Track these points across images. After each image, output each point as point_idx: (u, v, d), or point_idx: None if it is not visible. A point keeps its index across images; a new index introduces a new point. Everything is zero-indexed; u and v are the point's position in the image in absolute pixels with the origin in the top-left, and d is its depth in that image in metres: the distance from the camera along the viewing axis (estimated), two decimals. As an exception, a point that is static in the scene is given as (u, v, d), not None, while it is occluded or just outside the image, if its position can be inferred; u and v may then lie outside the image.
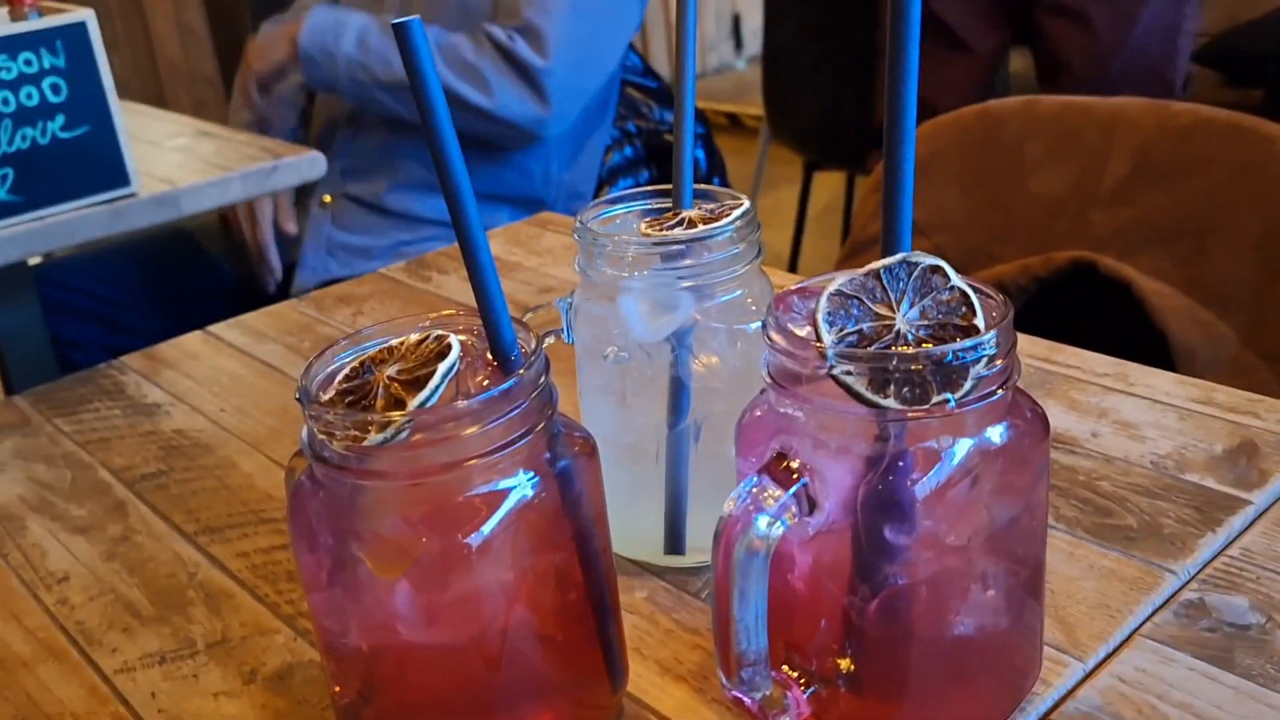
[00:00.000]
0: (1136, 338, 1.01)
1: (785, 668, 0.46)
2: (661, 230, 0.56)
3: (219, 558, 0.64)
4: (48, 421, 0.82)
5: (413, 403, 0.40)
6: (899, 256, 0.42)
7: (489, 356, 0.44)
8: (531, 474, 0.43)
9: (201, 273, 1.77)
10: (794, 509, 0.43)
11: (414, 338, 0.44)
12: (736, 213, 0.56)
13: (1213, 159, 1.08)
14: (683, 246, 0.55)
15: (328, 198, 1.64)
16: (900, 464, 0.42)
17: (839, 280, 0.42)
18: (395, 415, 0.40)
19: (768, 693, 0.44)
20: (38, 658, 0.58)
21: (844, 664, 0.45)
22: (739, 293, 0.56)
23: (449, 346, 0.42)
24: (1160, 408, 0.70)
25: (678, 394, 0.57)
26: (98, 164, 1.34)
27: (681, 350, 0.57)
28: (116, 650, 0.58)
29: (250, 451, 0.76)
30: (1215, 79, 2.75)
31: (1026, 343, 0.80)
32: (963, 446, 0.42)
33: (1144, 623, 0.53)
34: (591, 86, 1.55)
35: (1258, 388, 0.91)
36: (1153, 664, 0.50)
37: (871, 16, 2.49)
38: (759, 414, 0.45)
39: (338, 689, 0.47)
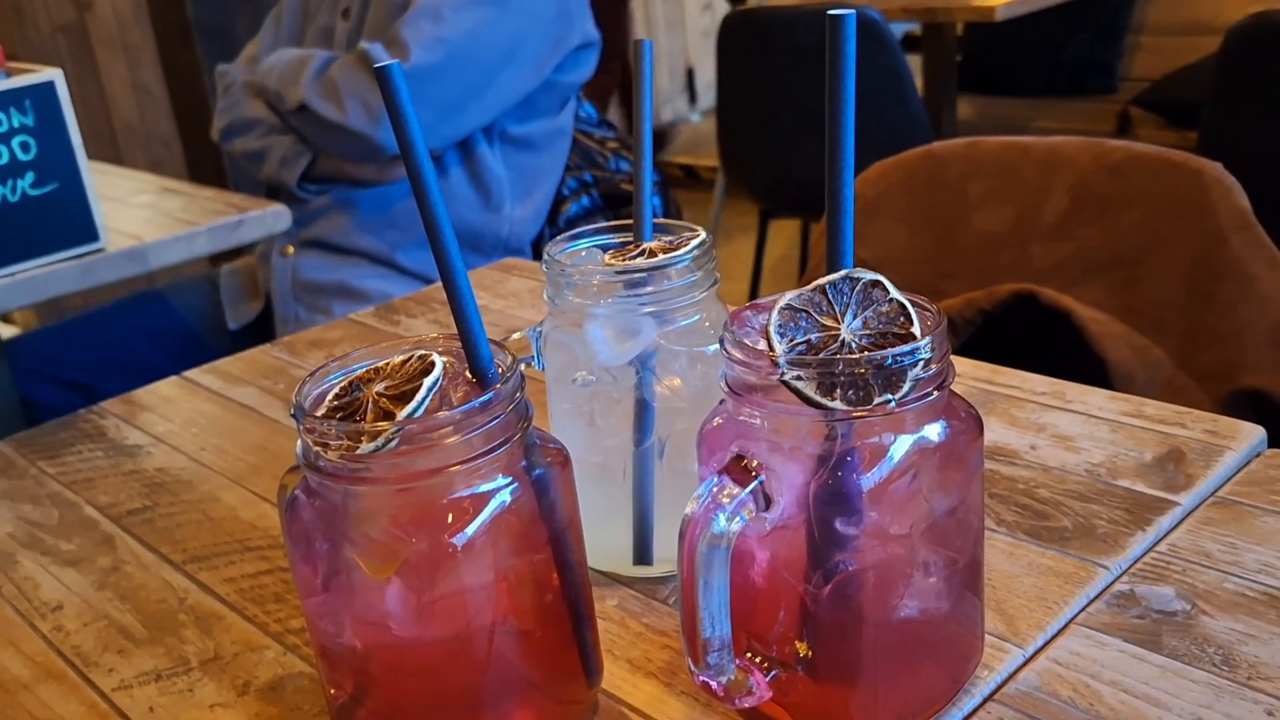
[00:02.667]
0: (1077, 364, 1.06)
1: (748, 655, 0.50)
2: (624, 260, 0.60)
3: (207, 583, 0.67)
4: (31, 465, 0.84)
5: (401, 413, 0.44)
6: (842, 273, 0.47)
7: (468, 375, 0.48)
8: (510, 480, 0.47)
9: (174, 332, 1.79)
10: (751, 505, 0.47)
11: (398, 359, 0.48)
12: (694, 243, 0.60)
13: (1145, 193, 1.14)
14: (644, 275, 0.59)
15: (290, 249, 1.67)
16: (847, 461, 0.46)
17: (788, 296, 0.47)
18: (385, 425, 0.44)
19: (733, 677, 0.48)
20: (37, 679, 0.60)
21: (801, 649, 0.48)
22: (697, 317, 0.61)
23: (432, 363, 0.46)
24: (1094, 421, 0.75)
25: (642, 414, 0.61)
26: (67, 220, 1.37)
27: (645, 373, 0.61)
28: (113, 670, 0.60)
29: (232, 486, 0.79)
30: (1156, 121, 2.86)
31: (970, 366, 0.85)
32: (903, 443, 0.46)
33: (1079, 613, 0.57)
34: (444, 97, 1.55)
35: (1191, 406, 0.97)
36: (1086, 648, 0.55)
37: (821, 72, 2.57)
38: (718, 423, 0.49)
39: (333, 691, 0.50)
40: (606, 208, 1.98)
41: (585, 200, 1.96)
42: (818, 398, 0.45)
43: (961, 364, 0.85)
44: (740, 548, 0.48)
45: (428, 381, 0.45)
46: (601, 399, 0.61)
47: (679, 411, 0.61)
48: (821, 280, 0.47)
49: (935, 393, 0.46)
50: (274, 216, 1.55)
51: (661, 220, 0.64)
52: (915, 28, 3.37)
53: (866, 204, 1.32)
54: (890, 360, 0.44)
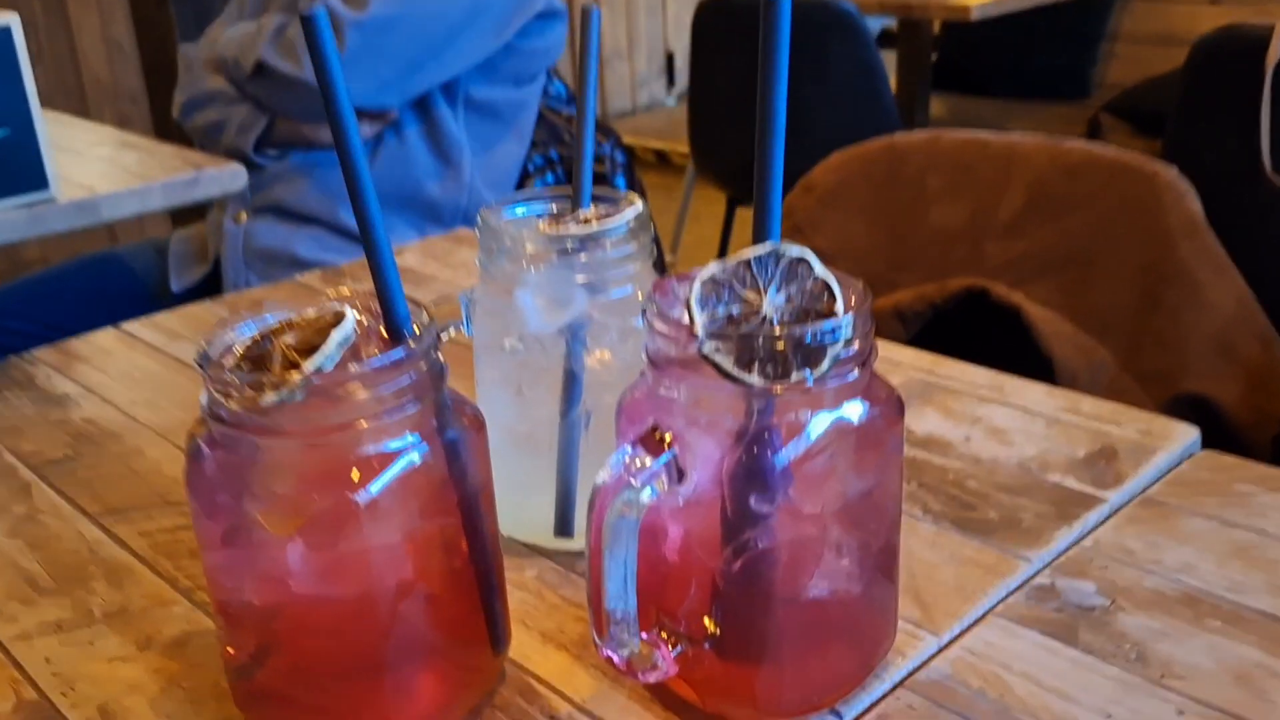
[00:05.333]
0: (1024, 361, 1.06)
1: (656, 630, 0.49)
2: (558, 227, 0.59)
3: (121, 536, 0.66)
4: (-45, 408, 0.83)
5: (308, 365, 0.43)
6: (768, 246, 0.46)
7: (384, 333, 0.47)
8: (420, 440, 0.46)
9: (123, 295, 1.76)
10: (664, 478, 0.46)
11: (313, 313, 0.47)
12: (629, 212, 0.59)
13: (1099, 194, 1.14)
14: (577, 243, 0.58)
15: (243, 215, 1.64)
16: (763, 437, 0.45)
17: (711, 268, 0.46)
18: (290, 376, 0.43)
19: (636, 650, 0.47)
20: (-65, 626, 0.59)
21: (710, 626, 0.48)
22: (630, 289, 0.60)
23: (344, 317, 0.45)
24: (1030, 416, 0.75)
25: (570, 385, 0.60)
26: (16, 167, 1.34)
27: (575, 344, 0.60)
28: (15, 619, 0.59)
29: (159, 441, 0.77)
30: (1126, 129, 2.88)
31: (911, 355, 0.85)
32: (821, 421, 0.46)
33: (997, 604, 0.57)
34: (402, 51, 1.52)
35: (1133, 408, 0.97)
36: (1001, 639, 0.54)
37: (793, 63, 2.57)
38: (638, 395, 0.49)
39: (231, 650, 0.49)
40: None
41: (550, 177, 1.95)
42: (735, 371, 0.44)
43: (902, 353, 0.85)
44: (653, 522, 0.48)
45: (336, 334, 0.44)
46: (530, 368, 0.61)
47: (607, 384, 0.61)
48: (746, 253, 0.46)
49: (855, 371, 0.46)
50: (230, 175, 1.53)
51: (603, 190, 0.63)
52: (892, 23, 3.37)
53: (825, 193, 1.32)
54: (810, 336, 0.44)
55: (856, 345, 0.46)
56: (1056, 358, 1.05)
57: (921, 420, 0.75)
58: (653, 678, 0.48)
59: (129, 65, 3.68)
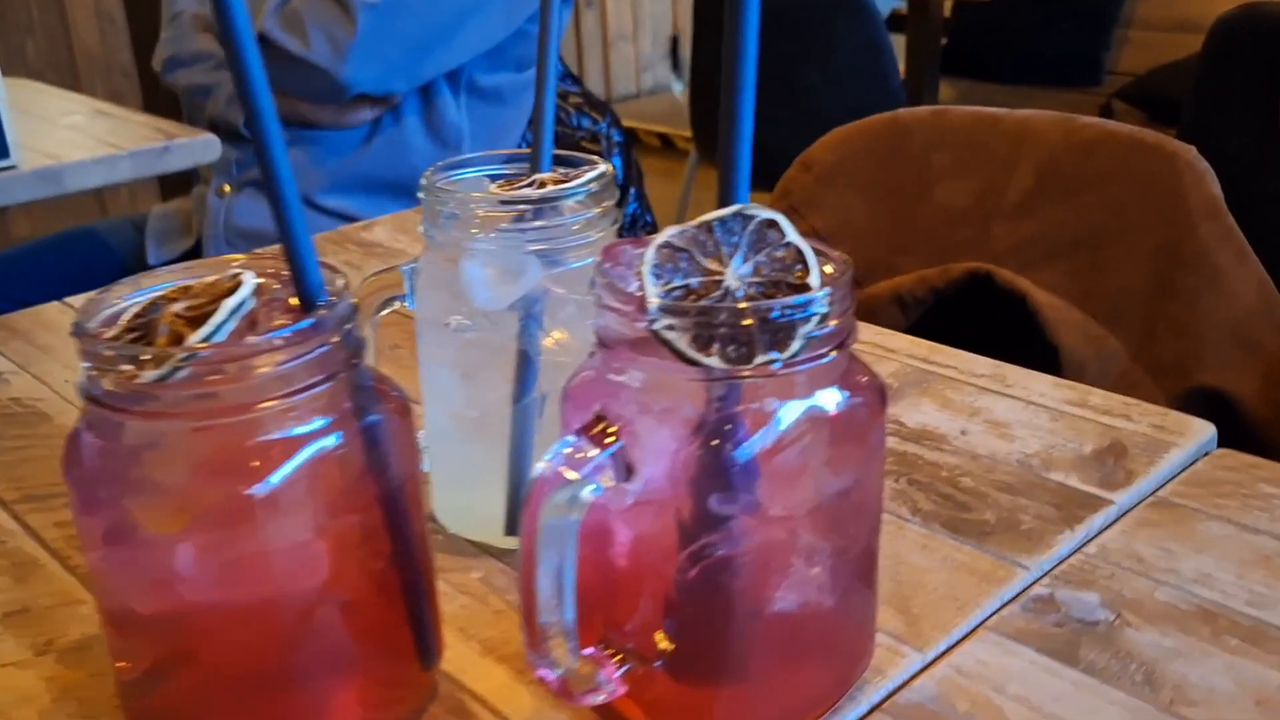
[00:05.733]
0: (1030, 349, 1.00)
1: (601, 645, 0.43)
2: (511, 190, 0.53)
3: (34, 527, 0.60)
4: (-123, 383, 0.77)
5: (193, 337, 0.37)
6: (734, 208, 0.40)
7: (293, 301, 0.41)
8: (330, 425, 0.40)
9: (102, 272, 1.71)
10: (610, 473, 0.40)
11: (211, 279, 0.41)
12: (590, 174, 0.53)
13: (1114, 174, 1.08)
14: (531, 208, 0.52)
15: (226, 188, 1.59)
16: (724, 428, 0.39)
17: (670, 232, 0.40)
18: (171, 350, 0.37)
19: (573, 669, 0.41)
20: None
21: (662, 642, 0.42)
22: (591, 261, 0.54)
23: (240, 284, 0.39)
24: (1033, 408, 0.69)
25: (524, 368, 0.54)
26: (-19, 130, 1.28)
27: (529, 321, 0.54)
28: (-96, 618, 0.53)
29: (91, 422, 0.71)
30: (1139, 116, 2.81)
31: (907, 343, 0.79)
32: (791, 411, 0.40)
33: (990, 616, 0.51)
34: (411, 34, 1.48)
35: (1144, 402, 0.91)
36: (994, 656, 0.48)
37: (798, 41, 2.50)
38: (586, 378, 0.43)
39: (121, 665, 0.43)
40: (566, 165, 1.90)
41: (550, 159, 1.88)
42: (691, 352, 0.38)
43: (897, 339, 0.79)
44: (600, 522, 0.42)
45: (229, 302, 0.38)
46: (479, 348, 0.55)
47: (565, 367, 0.54)
48: (710, 216, 0.40)
49: (831, 354, 0.40)
50: (203, 145, 1.47)
51: (567, 152, 0.57)
52: (902, 5, 3.30)
53: (825, 171, 1.25)
54: (777, 312, 0.38)
55: (833, 324, 0.40)
56: (1064, 347, 0.99)
57: (915, 412, 0.69)
58: (594, 700, 0.42)
59: (120, 38, 3.62)
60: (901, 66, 2.75)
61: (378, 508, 0.43)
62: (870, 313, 1.13)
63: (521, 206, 0.52)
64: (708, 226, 0.40)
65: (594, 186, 0.53)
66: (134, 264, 1.69)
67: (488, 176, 0.56)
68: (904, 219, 1.21)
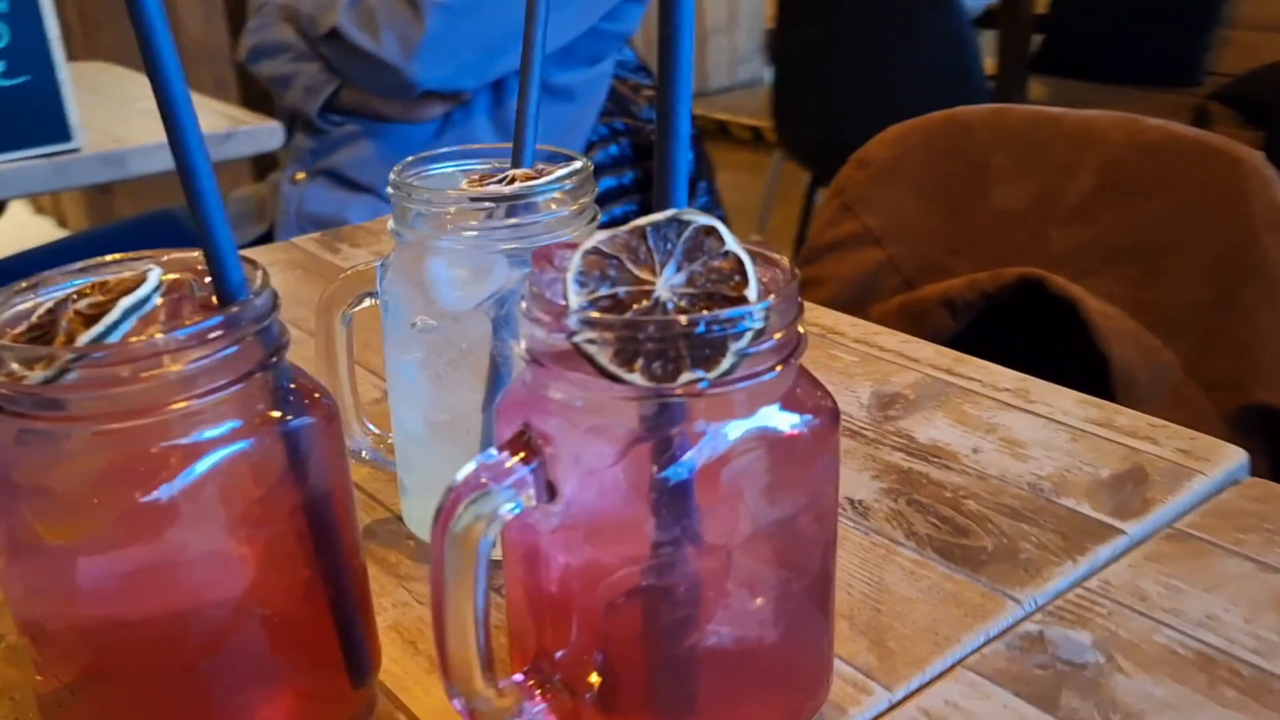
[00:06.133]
0: (1080, 359, 0.95)
1: (533, 675, 0.41)
2: (481, 186, 0.51)
3: None
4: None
5: (83, 337, 0.36)
6: (669, 213, 0.37)
7: (215, 300, 0.40)
8: (244, 429, 0.38)
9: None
10: (532, 492, 0.38)
11: (127, 275, 0.39)
12: (562, 171, 0.51)
13: (1177, 179, 1.02)
14: (500, 205, 0.50)
15: (300, 175, 1.60)
16: (653, 449, 0.37)
17: (599, 237, 0.37)
18: (59, 350, 0.35)
19: (485, 698, 0.39)
20: None
21: (591, 675, 0.39)
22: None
23: (145, 279, 0.37)
24: (1054, 427, 0.64)
25: (495, 372, 0.52)
26: (38, 116, 1.31)
27: (499, 323, 0.52)
28: None
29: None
30: (1235, 118, 2.69)
31: (933, 352, 0.75)
32: (727, 432, 0.37)
33: (971, 653, 0.48)
34: (483, 36, 1.47)
35: (1194, 419, 0.85)
36: (966, 699, 0.45)
37: (882, 34, 2.44)
38: (517, 390, 0.40)
39: (39, 676, 0.42)
40: (635, 158, 1.89)
41: (614, 148, 1.87)
42: (613, 368, 0.35)
43: (923, 349, 0.75)
44: (530, 543, 0.40)
45: (125, 301, 0.36)
46: (448, 349, 0.53)
47: (536, 370, 0.52)
48: (643, 221, 0.37)
49: (771, 372, 0.37)
50: (266, 133, 1.48)
51: (552, 148, 0.55)
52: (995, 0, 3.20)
53: (879, 169, 1.21)
54: (702, 327, 0.35)
55: (774, 339, 0.37)
56: (1114, 358, 0.94)
57: (928, 426, 0.65)
58: (513, 731, 0.40)
59: (224, 27, 3.68)
60: (992, 64, 2.67)
61: (300, 517, 0.41)
62: (919, 316, 1.09)
63: (490, 204, 0.50)
64: (640, 232, 0.37)
65: (568, 183, 0.51)
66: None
67: (462, 172, 0.54)
68: (959, 220, 1.16)
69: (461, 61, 1.49)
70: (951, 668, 0.47)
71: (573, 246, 0.39)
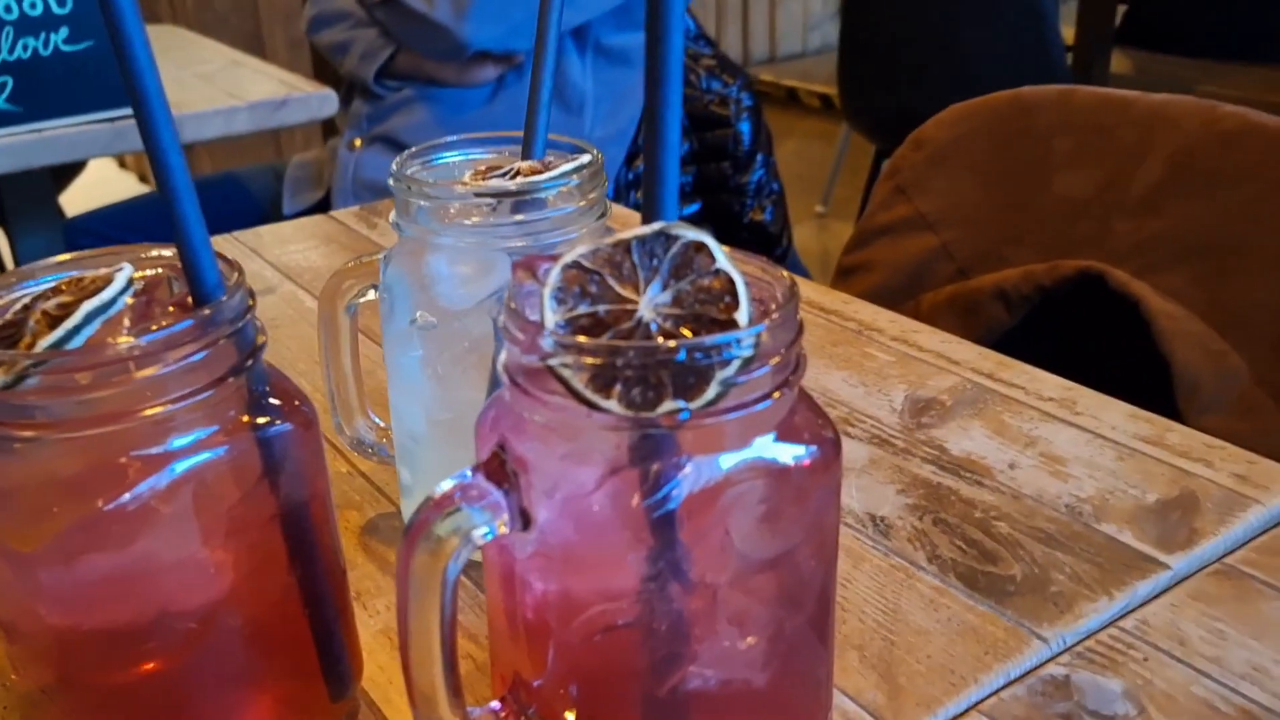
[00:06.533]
0: (1140, 362, 0.90)
1: (510, 705, 0.39)
2: (486, 180, 0.49)
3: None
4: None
5: (42, 341, 0.34)
6: (657, 226, 0.34)
7: (190, 300, 0.38)
8: (214, 436, 0.37)
9: (239, 218, 1.75)
10: (506, 517, 0.35)
11: (104, 271, 0.38)
12: (569, 165, 0.48)
13: (1254, 171, 0.96)
14: (505, 201, 0.47)
15: (357, 141, 1.59)
16: (632, 481, 0.34)
17: (581, 250, 0.35)
18: (16, 355, 0.33)
19: (455, 733, 0.37)
20: None
21: (568, 713, 0.37)
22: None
23: (111, 280, 0.35)
24: (1100, 443, 0.61)
25: (495, 375, 0.50)
26: (100, 80, 1.31)
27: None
28: None
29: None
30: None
31: (975, 354, 0.71)
32: (714, 465, 0.34)
33: (988, 696, 0.45)
34: None
35: (1262, 431, 0.81)
36: (977, 748, 0.42)
37: (957, 1, 2.37)
38: (498, 407, 0.38)
39: (14, 676, 0.41)
40: (692, 128, 1.85)
41: (670, 120, 1.83)
42: (588, 393, 0.33)
43: (965, 351, 0.71)
44: (508, 566, 0.37)
45: (88, 304, 0.34)
46: (451, 347, 0.50)
47: (542, 372, 0.50)
48: (629, 233, 0.34)
49: (764, 402, 0.34)
50: (319, 100, 1.47)
51: (565, 139, 0.52)
52: (1079, -31, 3.09)
53: (936, 150, 1.17)
54: (683, 354, 0.32)
55: (770, 365, 0.34)
56: (1176, 361, 0.89)
57: (963, 437, 0.62)
58: (484, 767, 0.38)
59: (299, -15, 3.68)
60: (1072, 34, 2.58)
61: (275, 526, 0.39)
62: (971, 307, 1.04)
63: (494, 199, 0.47)
64: (625, 246, 0.34)
65: (576, 178, 0.48)
66: (271, 211, 1.72)
67: (468, 163, 0.52)
68: (1018, 207, 1.11)
69: (513, 21, 1.47)
70: (965, 711, 0.44)
71: (555, 259, 0.36)
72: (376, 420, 0.57)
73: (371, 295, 0.53)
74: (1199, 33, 3.11)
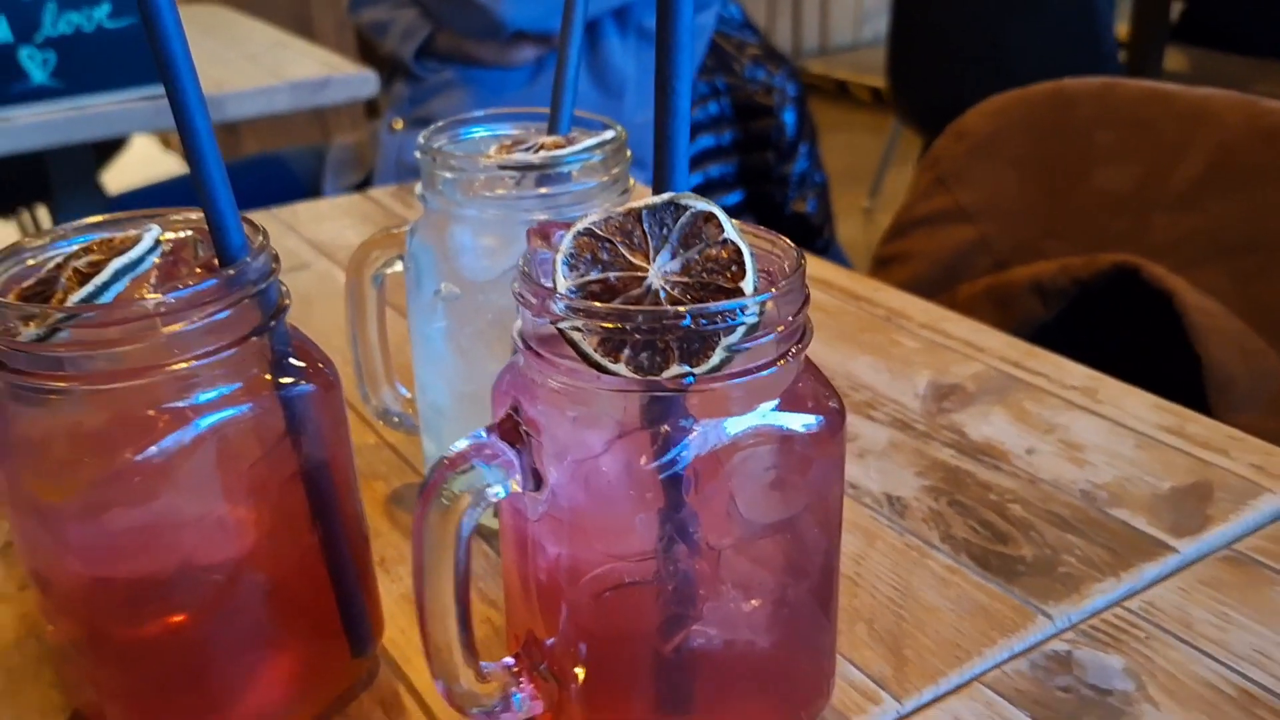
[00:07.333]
0: (1175, 357, 0.90)
1: (524, 660, 0.40)
2: (510, 154, 0.50)
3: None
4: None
5: (73, 296, 0.35)
6: (666, 196, 0.35)
7: (215, 262, 0.39)
8: (237, 393, 0.38)
9: (281, 199, 1.77)
10: (519, 478, 0.36)
11: (131, 233, 0.39)
12: (592, 140, 0.49)
13: (1296, 167, 0.95)
14: (524, 174, 0.49)
15: (398, 123, 1.61)
16: (640, 444, 0.35)
17: (592, 217, 0.36)
18: (49, 309, 0.35)
19: (471, 686, 0.38)
20: None
21: (577, 667, 0.38)
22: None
23: (140, 239, 0.37)
24: (1120, 431, 0.61)
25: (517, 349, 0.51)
26: (142, 57, 1.33)
27: (527, 294, 0.50)
28: (-88, 536, 0.55)
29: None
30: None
31: (1002, 343, 0.71)
32: (719, 430, 0.35)
33: (991, 669, 0.45)
34: None
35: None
36: (978, 717, 0.43)
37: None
38: (511, 372, 0.39)
39: (50, 627, 0.43)
40: (736, 118, 1.85)
41: (713, 107, 1.84)
42: (597, 357, 0.34)
43: (993, 339, 0.72)
44: (521, 528, 0.39)
45: (117, 262, 0.36)
46: (474, 320, 0.52)
47: (563, 345, 0.51)
48: (640, 203, 0.35)
49: (769, 369, 0.35)
50: (359, 81, 1.48)
51: (592, 115, 0.53)
52: (1134, -36, 3.05)
53: (977, 141, 1.16)
54: (688, 320, 0.33)
55: (775, 333, 0.35)
56: (1211, 358, 0.88)
57: (983, 422, 0.62)
58: (492, 719, 0.39)
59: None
60: (1126, 29, 2.55)
61: (297, 485, 0.40)
62: (1007, 299, 1.04)
63: (518, 172, 0.49)
64: (636, 215, 0.35)
65: (599, 153, 0.49)
66: (313, 193, 1.74)
67: (494, 137, 0.53)
68: (1057, 200, 1.11)
69: (551, 2, 1.48)
70: (968, 683, 0.45)
71: (568, 226, 0.37)
72: (402, 391, 0.58)
73: (398, 266, 0.54)
74: (1258, 32, 3.06)
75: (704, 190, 1.78)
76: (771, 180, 1.90)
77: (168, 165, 3.95)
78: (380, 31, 1.60)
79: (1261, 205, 0.98)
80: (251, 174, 1.82)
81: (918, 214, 1.18)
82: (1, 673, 0.47)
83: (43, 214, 2.61)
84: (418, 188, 0.51)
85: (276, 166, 1.86)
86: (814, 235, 1.91)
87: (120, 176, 2.29)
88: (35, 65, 1.31)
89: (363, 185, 1.68)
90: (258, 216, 0.96)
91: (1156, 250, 1.02)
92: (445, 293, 0.51)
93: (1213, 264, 0.99)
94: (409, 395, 0.58)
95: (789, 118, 1.94)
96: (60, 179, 1.51)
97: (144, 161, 3.44)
